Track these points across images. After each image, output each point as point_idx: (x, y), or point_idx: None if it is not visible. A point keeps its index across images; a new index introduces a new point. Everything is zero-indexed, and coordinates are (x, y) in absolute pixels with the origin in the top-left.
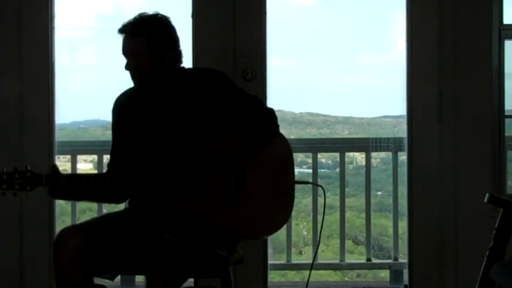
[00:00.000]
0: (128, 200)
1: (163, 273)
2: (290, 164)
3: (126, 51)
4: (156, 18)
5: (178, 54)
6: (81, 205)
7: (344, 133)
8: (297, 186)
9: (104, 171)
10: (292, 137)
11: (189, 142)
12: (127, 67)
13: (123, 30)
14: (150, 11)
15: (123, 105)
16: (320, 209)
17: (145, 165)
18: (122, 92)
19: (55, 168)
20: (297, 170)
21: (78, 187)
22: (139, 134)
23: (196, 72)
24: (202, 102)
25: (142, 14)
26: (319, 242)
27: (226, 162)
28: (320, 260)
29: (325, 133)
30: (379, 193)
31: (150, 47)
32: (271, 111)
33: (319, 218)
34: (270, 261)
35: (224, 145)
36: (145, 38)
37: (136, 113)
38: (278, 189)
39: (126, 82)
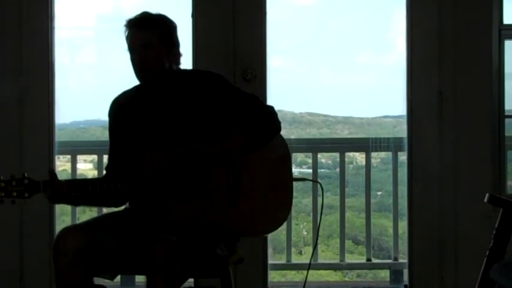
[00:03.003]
0: (128, 202)
1: (163, 272)
2: (287, 162)
3: (135, 43)
4: (164, 17)
5: (179, 55)
6: None
7: (344, 133)
8: (297, 186)
9: (103, 173)
10: (292, 137)
11: (188, 143)
12: (134, 60)
13: (133, 23)
14: (153, 11)
15: (119, 107)
16: (320, 209)
17: (143, 168)
18: (118, 94)
19: (53, 173)
20: (297, 170)
21: (77, 192)
22: (137, 136)
23: (194, 74)
24: (201, 104)
25: (148, 12)
26: (317, 240)
27: (227, 161)
28: (320, 260)
29: (325, 133)
30: (379, 193)
31: (160, 41)
32: (271, 108)
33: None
34: (270, 261)
35: (225, 144)
36: (157, 31)
37: (134, 115)
38: (276, 187)
39: (126, 82)
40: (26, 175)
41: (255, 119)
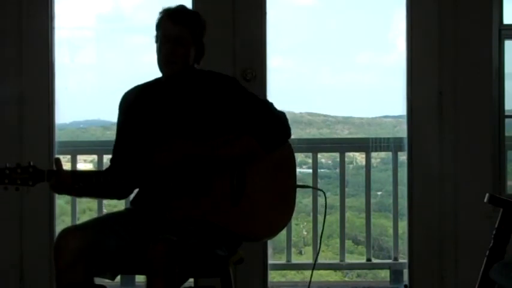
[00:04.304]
0: (129, 200)
1: (163, 272)
2: (292, 167)
3: (169, 35)
4: (199, 15)
5: (203, 56)
6: (81, 205)
7: (344, 133)
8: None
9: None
10: (292, 137)
11: (196, 143)
12: (162, 51)
13: (172, 14)
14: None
15: (131, 102)
16: (320, 209)
17: (149, 164)
18: (130, 88)
19: (58, 162)
20: (297, 170)
21: (80, 183)
22: (146, 131)
23: (209, 75)
24: (213, 105)
25: (185, 6)
26: (320, 246)
27: (235, 165)
28: (320, 260)
29: (325, 133)
30: (379, 193)
31: (193, 40)
32: (283, 114)
33: (319, 218)
34: (270, 261)
35: (235, 147)
36: (192, 29)
37: (145, 110)
38: (279, 191)
39: (126, 82)
40: (31, 163)
41: (266, 123)
